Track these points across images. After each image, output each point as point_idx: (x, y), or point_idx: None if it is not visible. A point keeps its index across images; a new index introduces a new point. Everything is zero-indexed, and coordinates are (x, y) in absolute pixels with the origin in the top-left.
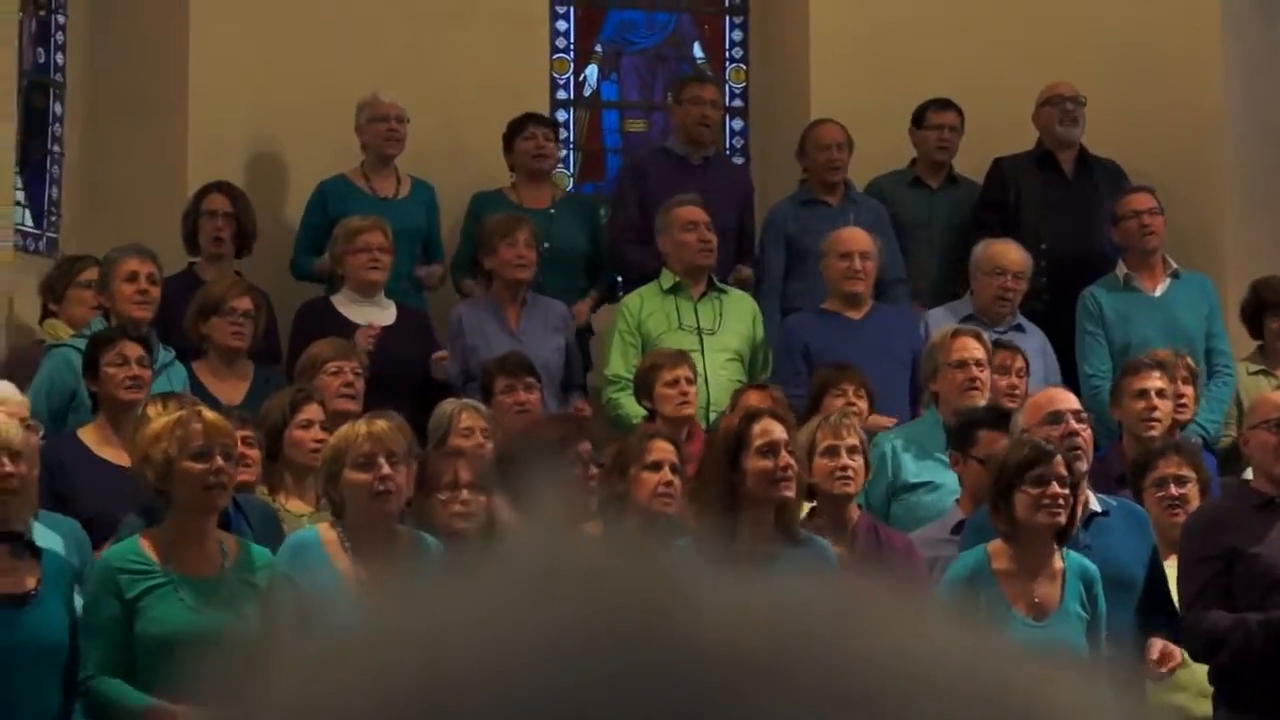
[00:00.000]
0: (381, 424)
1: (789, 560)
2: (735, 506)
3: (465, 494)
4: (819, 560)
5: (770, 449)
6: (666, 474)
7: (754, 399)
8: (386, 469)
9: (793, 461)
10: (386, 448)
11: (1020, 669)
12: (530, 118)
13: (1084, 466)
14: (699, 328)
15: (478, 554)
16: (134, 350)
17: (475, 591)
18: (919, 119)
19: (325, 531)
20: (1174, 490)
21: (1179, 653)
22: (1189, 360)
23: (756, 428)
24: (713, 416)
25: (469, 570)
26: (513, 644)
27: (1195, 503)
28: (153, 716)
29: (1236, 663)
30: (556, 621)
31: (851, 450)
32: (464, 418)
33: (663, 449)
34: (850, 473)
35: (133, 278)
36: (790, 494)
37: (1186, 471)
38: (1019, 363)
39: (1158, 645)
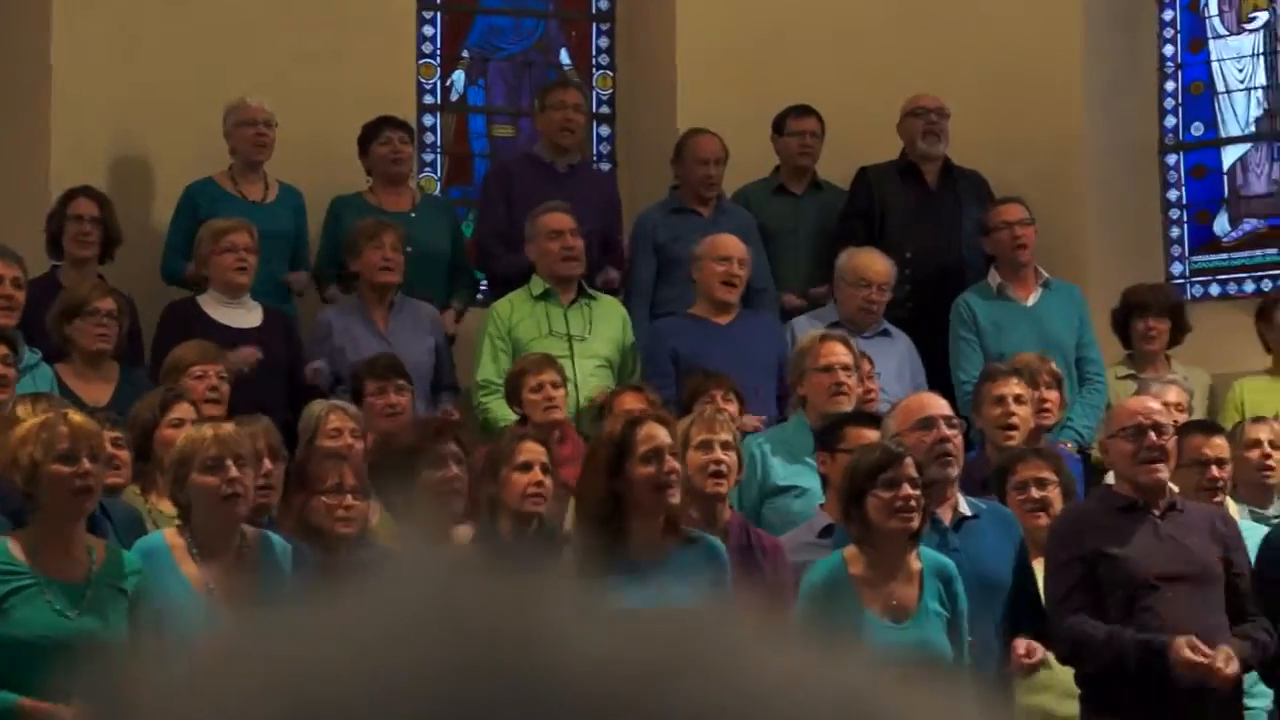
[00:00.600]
0: (228, 427)
1: (681, 561)
2: (621, 512)
3: (349, 498)
4: (711, 559)
5: (654, 454)
6: (537, 474)
7: (629, 401)
8: (234, 472)
9: (677, 466)
10: (233, 450)
11: (890, 696)
12: (385, 121)
13: (954, 471)
14: (569, 334)
15: (350, 576)
16: None
17: (349, 617)
18: (779, 126)
19: (172, 536)
20: (1035, 493)
21: (1041, 649)
22: (1053, 365)
23: (640, 433)
24: (585, 420)
25: (343, 594)
26: (384, 673)
27: (1057, 505)
28: (24, 712)
29: (1107, 672)
30: (425, 654)
31: (725, 445)
32: (332, 419)
33: (532, 450)
34: (724, 468)
35: None
36: (676, 500)
37: (1047, 474)
38: (866, 366)
39: (1022, 643)
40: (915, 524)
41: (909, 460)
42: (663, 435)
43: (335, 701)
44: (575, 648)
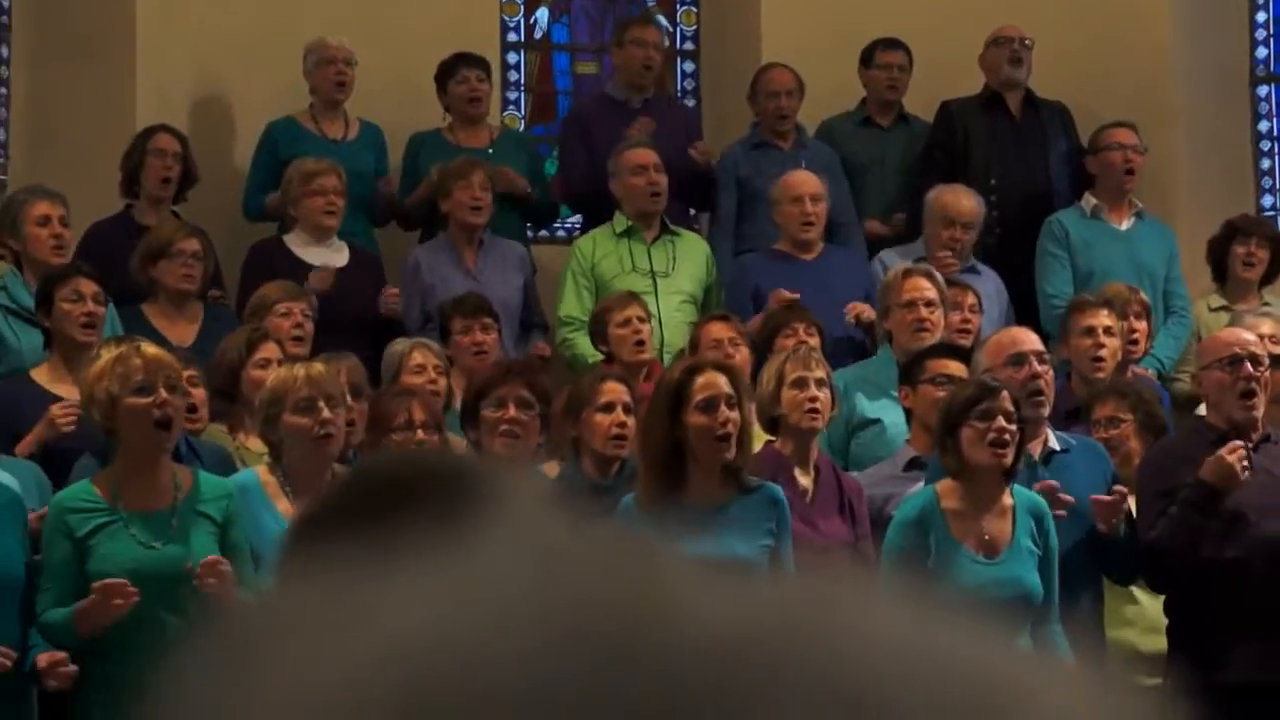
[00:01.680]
0: (319, 367)
1: (741, 510)
2: (680, 458)
3: (420, 434)
4: (771, 507)
5: (710, 404)
6: (620, 415)
7: (716, 330)
8: (326, 413)
9: (734, 416)
10: (325, 391)
11: (1006, 667)
12: (461, 58)
13: (1046, 409)
14: (652, 271)
15: (465, 534)
16: (89, 287)
17: (464, 575)
18: (867, 59)
19: (264, 474)
20: (1105, 432)
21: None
22: (1142, 295)
23: (699, 381)
24: (667, 358)
25: (456, 552)
26: (501, 641)
27: (1132, 442)
28: (80, 613)
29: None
30: (541, 623)
31: (820, 383)
32: (416, 356)
33: (615, 390)
34: (819, 405)
35: (44, 221)
36: (730, 456)
37: (1121, 413)
38: (970, 299)
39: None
40: (1009, 459)
41: (1005, 393)
42: (721, 383)
43: (451, 670)
44: (694, 615)
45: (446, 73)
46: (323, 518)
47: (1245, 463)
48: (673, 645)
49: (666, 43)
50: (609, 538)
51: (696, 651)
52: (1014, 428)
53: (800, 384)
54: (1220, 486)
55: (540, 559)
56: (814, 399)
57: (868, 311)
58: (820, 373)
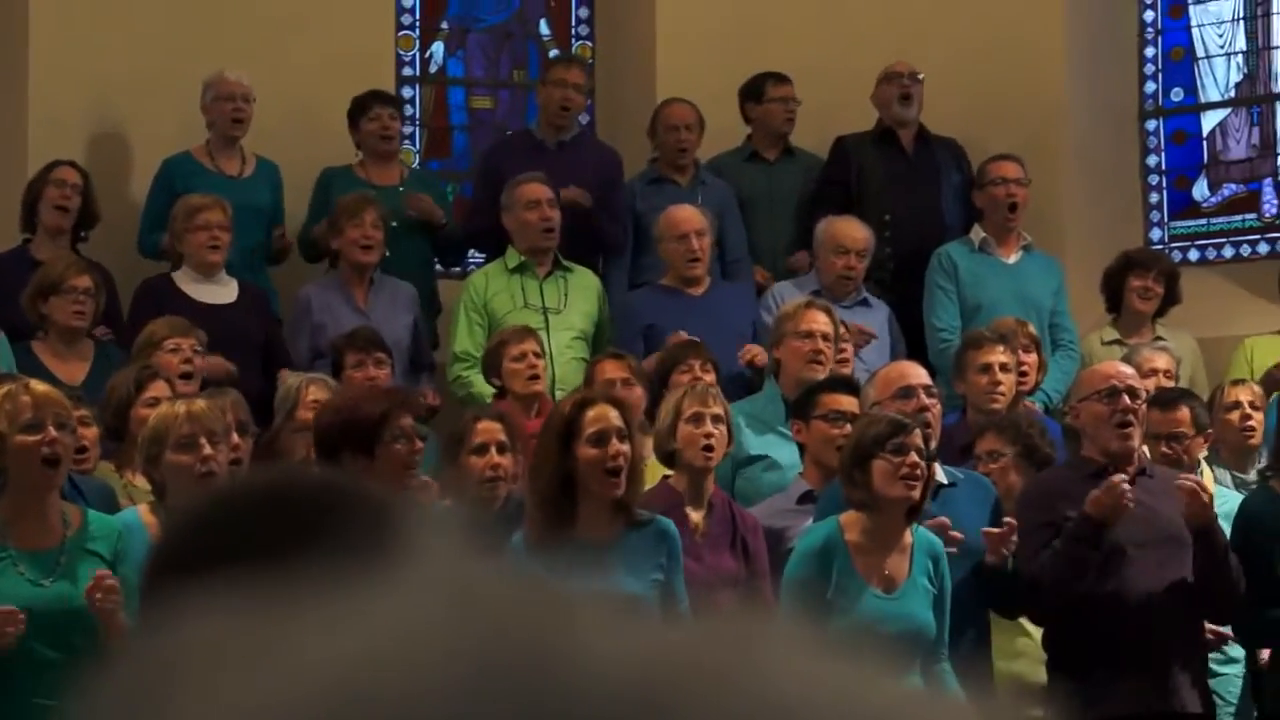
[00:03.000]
0: (201, 403)
1: (630, 544)
2: (570, 493)
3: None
4: (661, 541)
5: (601, 437)
6: (493, 456)
7: (609, 369)
8: (208, 449)
9: (624, 449)
10: (207, 427)
11: (904, 706)
12: (374, 96)
13: (933, 442)
14: (544, 307)
15: (384, 570)
16: None
17: (378, 610)
18: (757, 93)
19: (145, 514)
20: (985, 467)
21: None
22: (1030, 328)
23: (589, 414)
24: (559, 395)
25: (369, 586)
26: (415, 671)
27: (1011, 475)
28: None
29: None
30: (457, 654)
31: (716, 419)
32: (312, 390)
33: (489, 430)
34: (714, 441)
35: None
36: (620, 490)
37: (1001, 448)
38: (855, 341)
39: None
40: (918, 493)
41: (919, 431)
42: (612, 417)
43: (366, 705)
44: (603, 656)
45: (359, 109)
46: (186, 543)
47: (1129, 495)
48: (581, 686)
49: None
50: (522, 576)
51: (604, 693)
52: (924, 464)
53: (696, 420)
54: (1104, 520)
55: (454, 596)
56: (710, 435)
57: (761, 356)
58: (717, 409)
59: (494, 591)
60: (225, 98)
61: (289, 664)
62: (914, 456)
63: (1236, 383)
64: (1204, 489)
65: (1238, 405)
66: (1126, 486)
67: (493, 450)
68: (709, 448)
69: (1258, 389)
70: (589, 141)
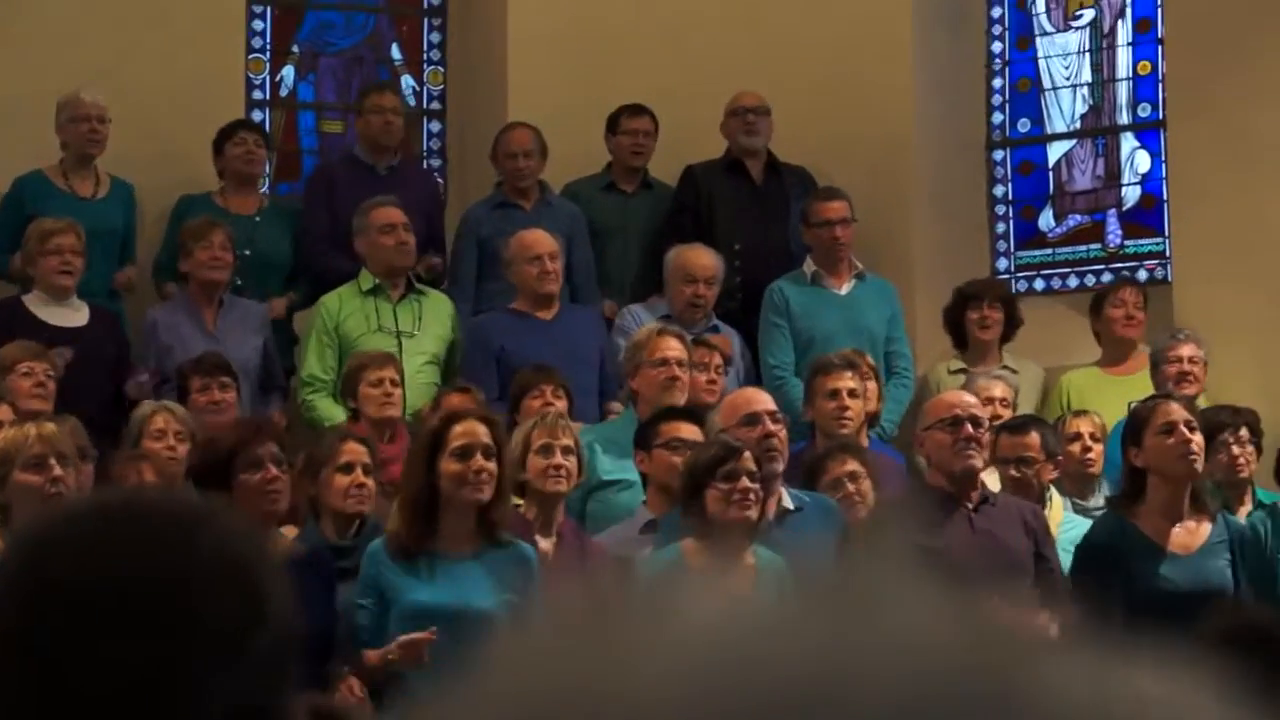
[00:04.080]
0: (50, 425)
1: (489, 562)
2: (435, 508)
3: None
4: (520, 565)
5: (465, 451)
6: (359, 475)
7: (455, 401)
8: (58, 470)
9: (489, 465)
10: (57, 449)
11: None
12: (241, 124)
13: (779, 467)
14: (398, 330)
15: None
16: None
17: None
18: (612, 125)
19: None
20: (850, 487)
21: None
22: (869, 359)
23: (457, 428)
24: (409, 419)
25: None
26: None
27: (870, 496)
28: None
29: None
30: (932, 677)
31: (566, 450)
32: (157, 420)
33: (355, 451)
34: (564, 472)
35: None
36: (481, 496)
37: (858, 467)
38: (716, 359)
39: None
40: (753, 515)
41: (748, 454)
42: (479, 433)
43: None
44: (1063, 697)
45: (225, 135)
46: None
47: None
48: None
49: (413, 102)
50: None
51: None
52: (757, 486)
53: (546, 451)
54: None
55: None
56: (559, 466)
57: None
58: (567, 440)
59: (951, 620)
60: (80, 118)
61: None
62: (745, 481)
63: (1078, 414)
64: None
65: (1079, 436)
66: None
67: (359, 470)
68: (559, 477)
69: (1098, 420)
70: (413, 168)
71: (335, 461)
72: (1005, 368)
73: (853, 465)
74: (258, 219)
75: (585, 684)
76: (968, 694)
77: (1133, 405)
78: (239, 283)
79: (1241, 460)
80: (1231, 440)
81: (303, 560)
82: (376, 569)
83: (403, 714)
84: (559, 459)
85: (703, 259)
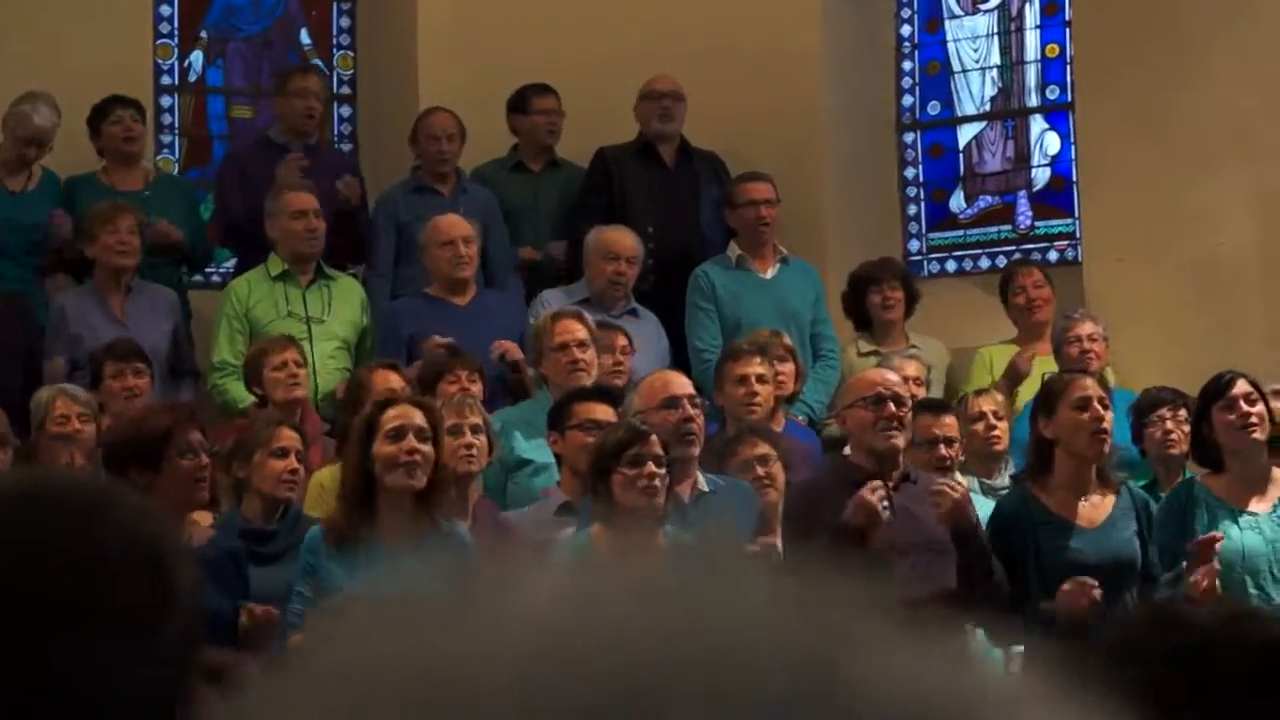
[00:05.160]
0: None
1: (427, 551)
2: (373, 495)
3: None
4: (458, 550)
5: (398, 433)
6: (292, 461)
7: (381, 377)
8: None
9: (422, 448)
10: None
11: None
12: (114, 100)
13: (696, 450)
14: (307, 316)
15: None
16: None
17: (491, 608)
18: (520, 105)
19: None
20: (759, 470)
21: None
22: (785, 339)
23: (390, 412)
24: (321, 405)
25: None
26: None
27: (780, 479)
28: None
29: None
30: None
31: (475, 429)
32: (59, 404)
33: (290, 437)
34: (475, 451)
35: None
36: (414, 482)
37: (768, 451)
38: (621, 341)
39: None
40: (660, 501)
41: (654, 438)
42: (413, 416)
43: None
44: (883, 678)
45: (100, 115)
46: None
47: (885, 501)
48: (861, 710)
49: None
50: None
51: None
52: (663, 472)
53: (455, 431)
54: (864, 527)
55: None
56: (470, 445)
57: (513, 350)
58: (475, 419)
59: (777, 597)
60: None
61: (388, 660)
62: (651, 466)
63: (980, 392)
64: (953, 488)
65: (982, 415)
66: (876, 496)
67: (293, 456)
68: (470, 457)
69: (1000, 398)
70: (328, 149)
71: (270, 446)
72: (913, 346)
73: (762, 448)
74: (147, 194)
75: (408, 665)
76: (786, 682)
77: (1047, 376)
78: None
79: (1175, 436)
80: (1169, 417)
81: (216, 545)
82: (315, 559)
83: (232, 693)
84: (469, 438)
85: (624, 238)
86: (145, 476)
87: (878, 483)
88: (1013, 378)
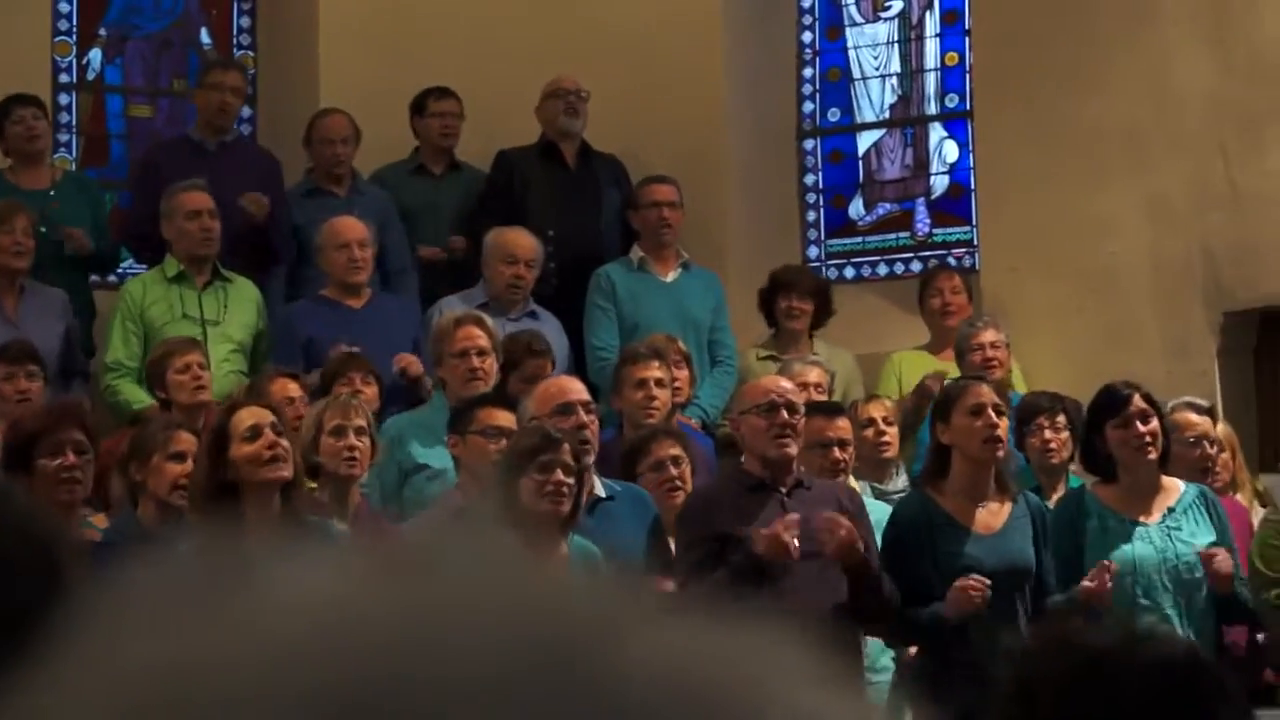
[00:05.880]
0: None
1: (298, 545)
2: (235, 495)
3: None
4: (327, 543)
5: (254, 431)
6: (189, 465)
7: (278, 386)
8: None
9: (282, 441)
10: None
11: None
12: (15, 99)
13: (591, 457)
14: (203, 318)
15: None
16: None
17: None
18: (419, 107)
19: None
20: (671, 471)
21: None
22: (680, 344)
23: (240, 414)
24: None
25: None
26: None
27: (689, 483)
28: None
29: None
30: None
31: (359, 431)
32: None
33: (187, 440)
34: (357, 453)
35: None
36: (283, 473)
37: (679, 451)
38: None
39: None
40: (566, 508)
41: (567, 445)
42: (263, 415)
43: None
44: (639, 653)
45: (1, 114)
46: None
47: (796, 541)
48: (619, 686)
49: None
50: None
51: (642, 695)
52: (572, 481)
53: (339, 432)
54: (770, 560)
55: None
56: (352, 447)
57: (415, 365)
58: (360, 421)
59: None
60: None
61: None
62: (560, 474)
63: (870, 399)
64: (840, 523)
65: (871, 422)
66: (790, 535)
67: (190, 460)
68: (352, 459)
69: (889, 404)
70: (248, 146)
71: (168, 449)
72: (815, 355)
73: (675, 449)
74: (52, 194)
75: (169, 657)
76: (543, 664)
77: (944, 383)
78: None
79: (1054, 445)
80: (1046, 425)
81: (106, 547)
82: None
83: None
84: (352, 439)
85: (523, 240)
86: (20, 478)
87: (795, 517)
88: (921, 396)
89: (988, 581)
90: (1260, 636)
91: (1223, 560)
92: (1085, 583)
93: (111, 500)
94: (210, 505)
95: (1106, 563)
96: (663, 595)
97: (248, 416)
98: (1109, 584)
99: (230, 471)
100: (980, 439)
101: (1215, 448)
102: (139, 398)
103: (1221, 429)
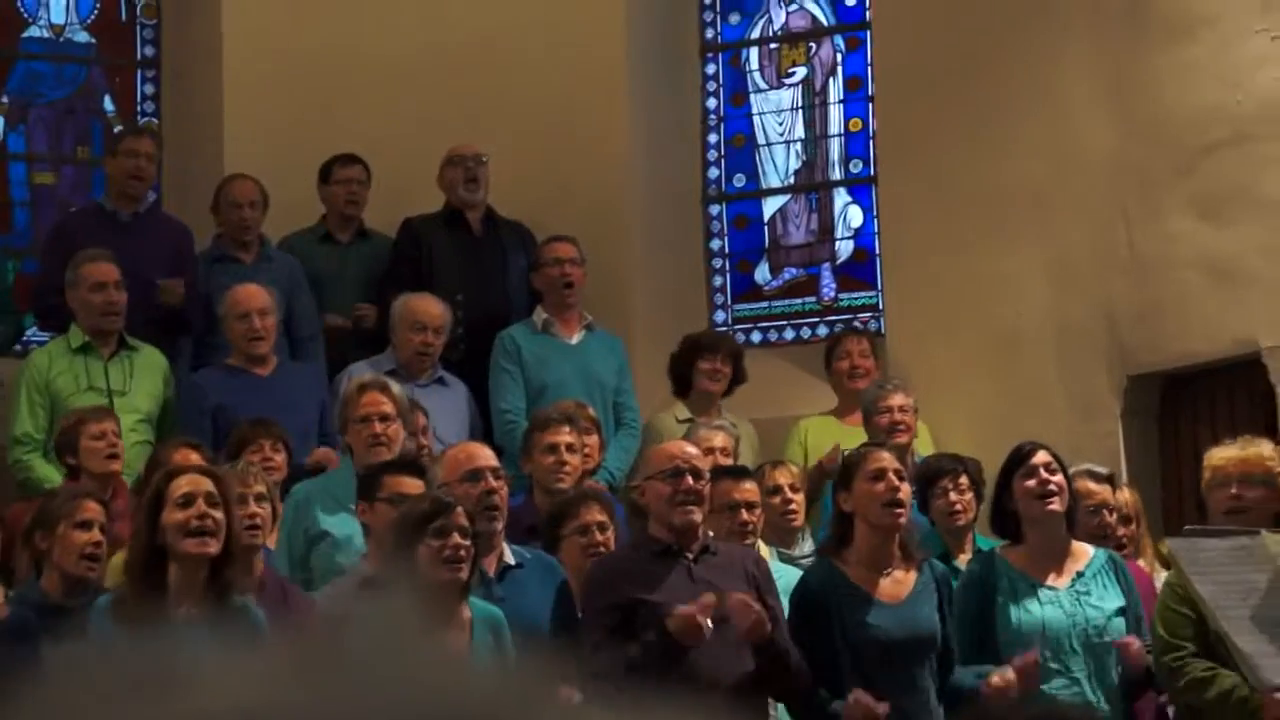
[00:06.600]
0: None
1: (223, 627)
2: (164, 565)
3: None
4: (251, 627)
5: (188, 499)
6: (96, 534)
7: (180, 456)
8: None
9: (214, 513)
10: None
11: None
12: None
13: (500, 524)
14: (109, 389)
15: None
16: None
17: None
18: (325, 175)
19: None
20: (598, 536)
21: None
22: (590, 411)
23: (179, 480)
24: (127, 480)
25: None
26: None
27: (612, 547)
28: None
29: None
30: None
31: (259, 498)
32: None
33: (94, 509)
34: (259, 520)
35: None
36: (208, 549)
37: (605, 519)
38: (421, 421)
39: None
40: (464, 574)
41: (460, 510)
42: (202, 484)
43: None
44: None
45: None
46: None
47: (710, 623)
48: None
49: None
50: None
51: None
52: (468, 544)
53: (239, 500)
54: (683, 640)
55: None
56: (253, 515)
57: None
58: (260, 487)
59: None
60: None
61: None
62: (456, 538)
63: (776, 465)
64: (751, 606)
65: (779, 489)
66: (705, 617)
67: (96, 529)
68: (253, 528)
69: (795, 470)
70: (160, 215)
71: (74, 518)
72: (723, 420)
73: (601, 516)
74: None
75: None
76: None
77: (841, 456)
78: None
79: (959, 507)
80: (950, 487)
81: (7, 622)
82: (101, 631)
83: None
84: (252, 507)
85: (430, 307)
86: None
87: (712, 598)
88: (821, 475)
89: (886, 709)
90: (1170, 707)
91: (1139, 650)
92: (1008, 672)
93: (15, 573)
94: (140, 572)
95: (1030, 655)
96: (566, 679)
97: (185, 484)
98: (1030, 675)
99: (160, 537)
100: (881, 503)
101: (1114, 515)
102: (49, 476)
103: (1125, 494)
